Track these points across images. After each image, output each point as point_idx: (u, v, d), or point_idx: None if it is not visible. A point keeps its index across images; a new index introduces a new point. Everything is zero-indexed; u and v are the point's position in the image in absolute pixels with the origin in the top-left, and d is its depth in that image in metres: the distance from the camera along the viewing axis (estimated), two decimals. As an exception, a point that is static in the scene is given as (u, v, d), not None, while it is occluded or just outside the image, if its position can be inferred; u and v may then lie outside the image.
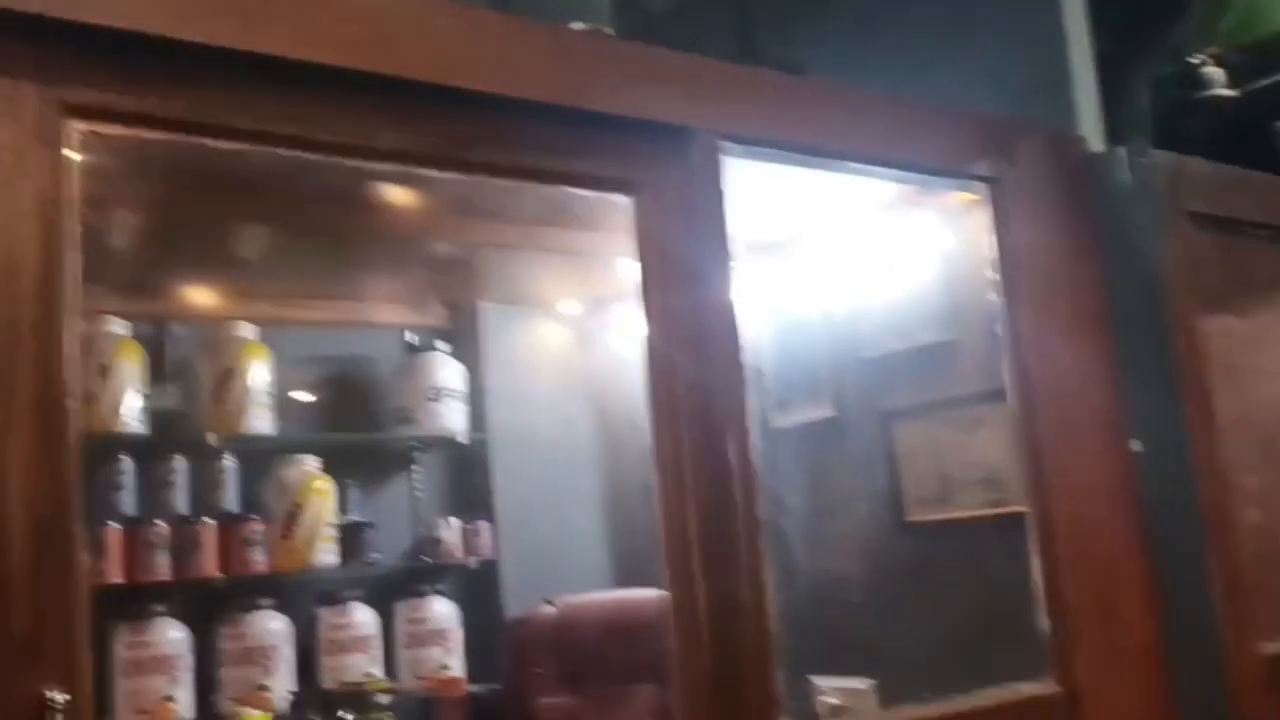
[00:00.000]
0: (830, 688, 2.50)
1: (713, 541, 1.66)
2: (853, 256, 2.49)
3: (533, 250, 2.62)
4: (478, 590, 3.03)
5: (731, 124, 1.79)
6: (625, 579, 3.12)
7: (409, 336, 3.06)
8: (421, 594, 2.92)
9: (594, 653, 2.84)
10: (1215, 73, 2.67)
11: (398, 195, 2.06)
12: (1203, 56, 2.32)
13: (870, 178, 2.04)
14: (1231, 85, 2.67)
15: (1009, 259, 2.08)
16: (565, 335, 3.28)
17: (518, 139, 1.62)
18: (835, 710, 2.48)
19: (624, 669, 2.79)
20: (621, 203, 1.74)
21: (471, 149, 1.60)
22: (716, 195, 1.76)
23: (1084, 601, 2.03)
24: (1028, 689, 2.00)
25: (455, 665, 2.88)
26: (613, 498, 3.23)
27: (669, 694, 1.71)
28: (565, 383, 3.22)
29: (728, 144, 1.78)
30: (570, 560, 3.13)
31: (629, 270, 1.75)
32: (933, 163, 2.06)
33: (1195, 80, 2.64)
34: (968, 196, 2.19)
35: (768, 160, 1.87)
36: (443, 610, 2.93)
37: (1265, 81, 2.63)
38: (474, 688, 2.86)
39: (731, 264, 1.74)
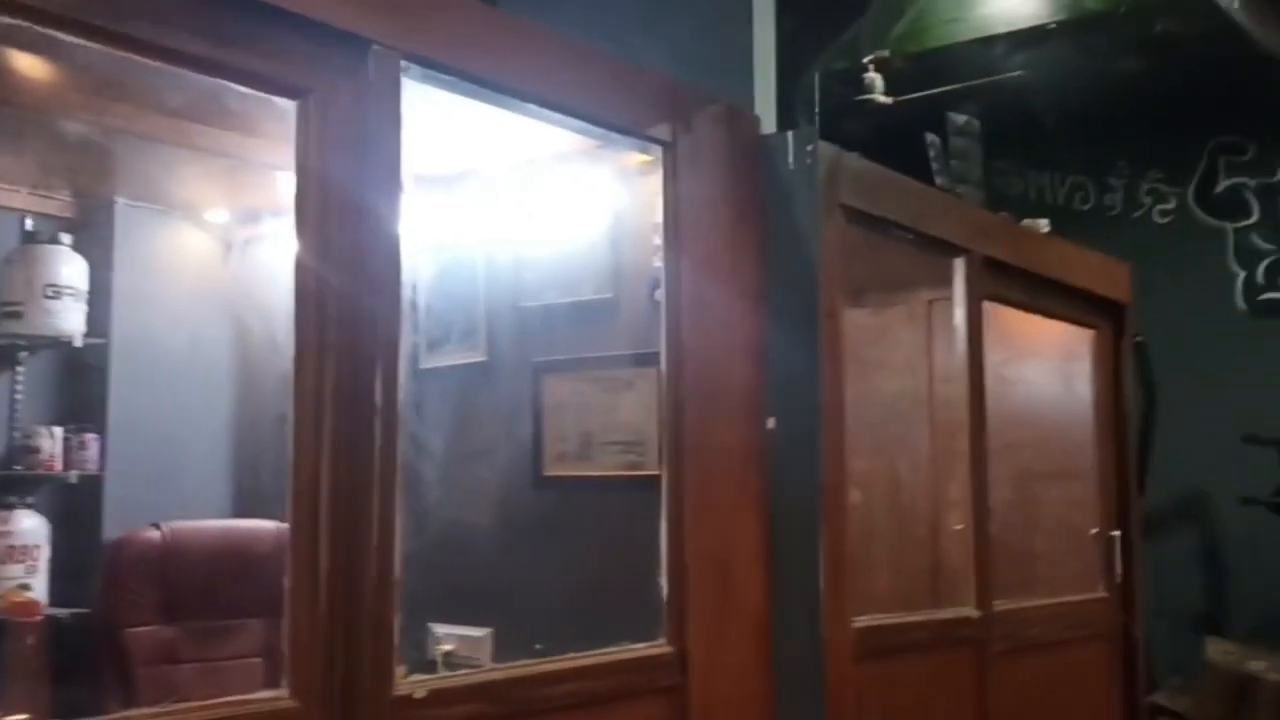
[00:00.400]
0: (446, 634, 2.48)
1: (345, 479, 1.57)
2: (523, 203, 2.45)
3: (182, 147, 2.40)
4: (76, 507, 2.82)
5: (414, 43, 1.69)
6: (245, 509, 2.97)
7: (29, 224, 2.80)
8: (8, 506, 2.70)
9: (200, 583, 2.68)
10: (874, 78, 2.81)
11: (24, 62, 1.82)
12: (872, 59, 2.43)
13: (550, 124, 2.00)
14: (888, 93, 2.82)
15: (675, 226, 2.09)
16: (209, 245, 3.06)
17: (173, 15, 1.45)
18: (447, 657, 2.46)
19: (231, 603, 2.66)
20: (286, 109, 1.61)
21: (114, 17, 1.41)
22: (392, 117, 1.66)
23: (703, 567, 2.09)
24: (641, 648, 2.04)
25: (37, 586, 2.67)
26: (242, 423, 3.06)
27: (278, 632, 1.62)
28: (204, 295, 3.02)
29: (409, 64, 1.69)
30: (186, 484, 2.96)
31: (288, 184, 1.63)
32: (613, 118, 2.04)
33: (857, 83, 2.77)
34: (643, 158, 2.20)
35: (448, 89, 1.79)
36: (30, 525, 2.71)
37: (917, 94, 2.80)
38: (55, 611, 2.65)
39: (401, 192, 1.65)
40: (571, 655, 1.94)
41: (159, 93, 2.03)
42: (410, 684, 1.65)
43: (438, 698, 1.67)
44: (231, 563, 2.69)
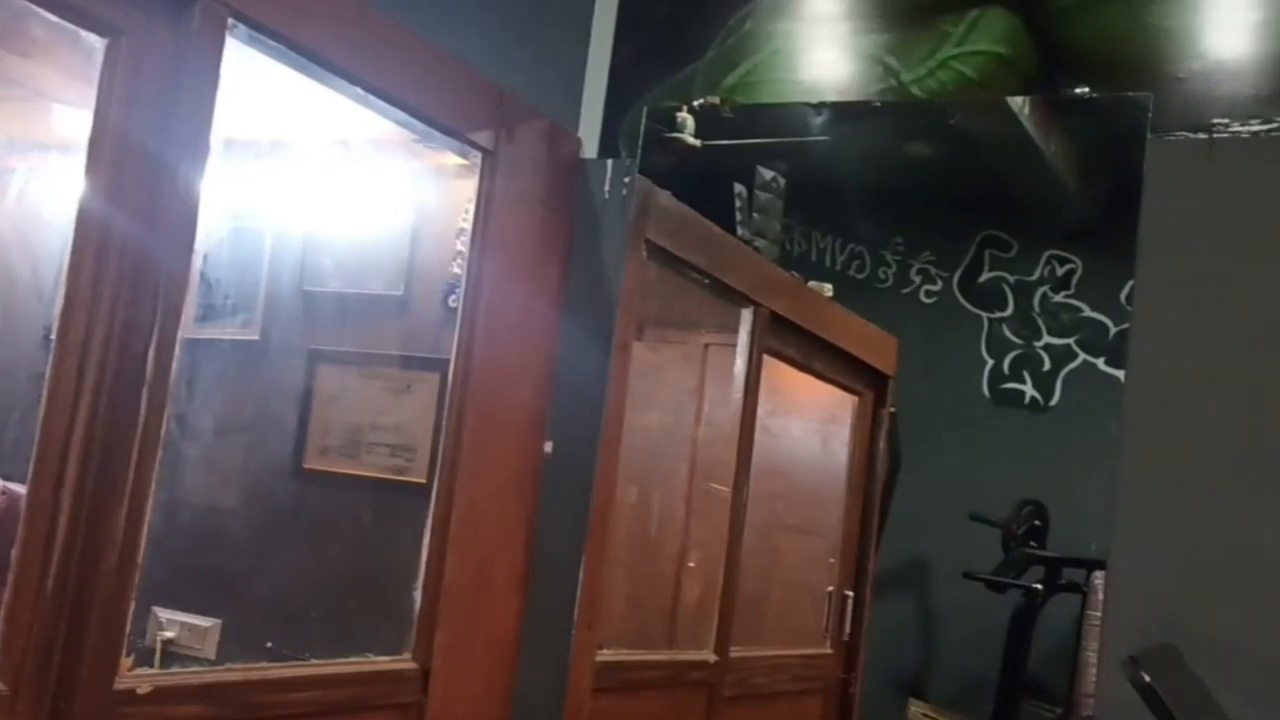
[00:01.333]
0: (170, 620, 2.34)
1: (99, 451, 1.45)
2: (327, 185, 2.35)
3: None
4: None
5: (246, 2, 1.60)
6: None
7: None
8: None
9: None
10: (686, 119, 2.84)
11: None
12: (703, 102, 2.46)
13: (371, 110, 1.92)
14: (703, 136, 2.86)
15: (483, 235, 2.05)
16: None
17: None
18: (168, 645, 2.33)
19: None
20: (91, 45, 1.48)
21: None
22: (210, 74, 1.55)
23: (460, 585, 2.04)
24: (384, 661, 1.97)
25: None
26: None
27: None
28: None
29: (237, 24, 1.59)
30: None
31: (77, 121, 1.50)
32: (438, 116, 1.98)
33: (672, 121, 2.80)
34: (459, 161, 2.15)
35: (274, 56, 1.70)
36: None
37: (726, 142, 2.85)
38: None
39: (207, 154, 1.55)
40: (311, 662, 1.86)
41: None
42: (134, 678, 1.54)
43: (162, 694, 1.57)
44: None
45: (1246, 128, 1.95)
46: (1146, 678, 1.28)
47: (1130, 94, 2.10)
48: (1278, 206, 1.87)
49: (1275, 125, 1.93)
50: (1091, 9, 2.17)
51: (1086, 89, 2.19)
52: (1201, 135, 1.95)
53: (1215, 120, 1.97)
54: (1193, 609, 1.82)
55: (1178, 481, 1.87)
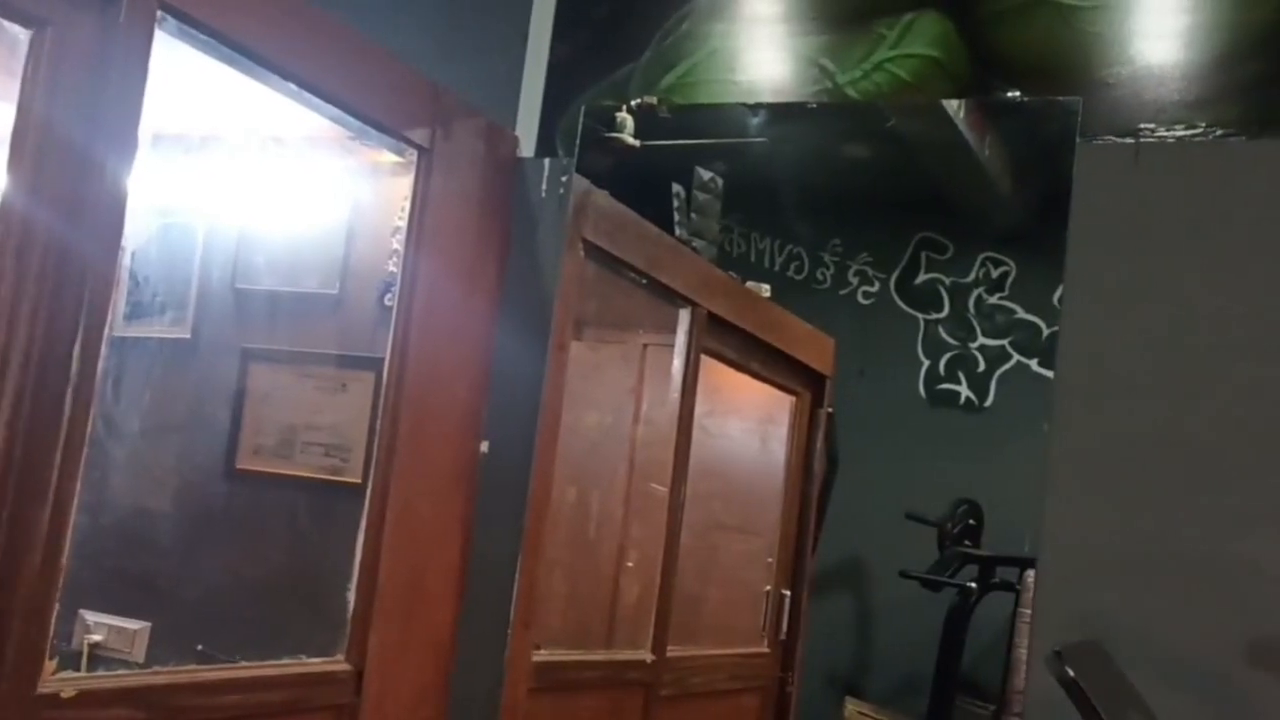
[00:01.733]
0: (97, 623, 2.30)
1: (21, 451, 1.42)
2: (260, 181, 2.32)
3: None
4: None
5: (174, -7, 1.57)
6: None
7: None
8: None
9: None
10: (626, 119, 2.85)
11: None
12: (640, 102, 2.46)
13: (305, 106, 1.90)
14: (641, 136, 2.86)
15: (419, 234, 2.04)
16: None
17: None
18: (95, 648, 2.29)
19: None
20: (15, 36, 1.46)
21: None
22: (138, 68, 1.53)
23: (395, 585, 2.03)
24: (317, 662, 1.95)
25: None
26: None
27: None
28: None
29: (165, 16, 1.56)
30: None
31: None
32: (373, 113, 1.96)
33: (610, 120, 2.80)
34: (395, 158, 2.13)
35: (204, 50, 1.67)
36: None
37: (665, 142, 2.85)
38: None
39: (135, 149, 1.52)
40: (241, 664, 1.84)
41: None
42: (58, 681, 1.51)
43: (87, 698, 1.54)
44: None
45: (1171, 132, 1.99)
46: (1070, 672, 1.30)
47: (1060, 98, 2.13)
48: (1199, 210, 1.91)
49: (1199, 130, 1.97)
50: (1022, 14, 2.20)
51: (1018, 93, 2.22)
52: (1128, 140, 1.99)
53: (1142, 125, 2.01)
54: (1118, 605, 1.85)
55: (1104, 480, 1.90)
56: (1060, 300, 2.09)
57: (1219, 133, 1.96)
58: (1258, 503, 1.82)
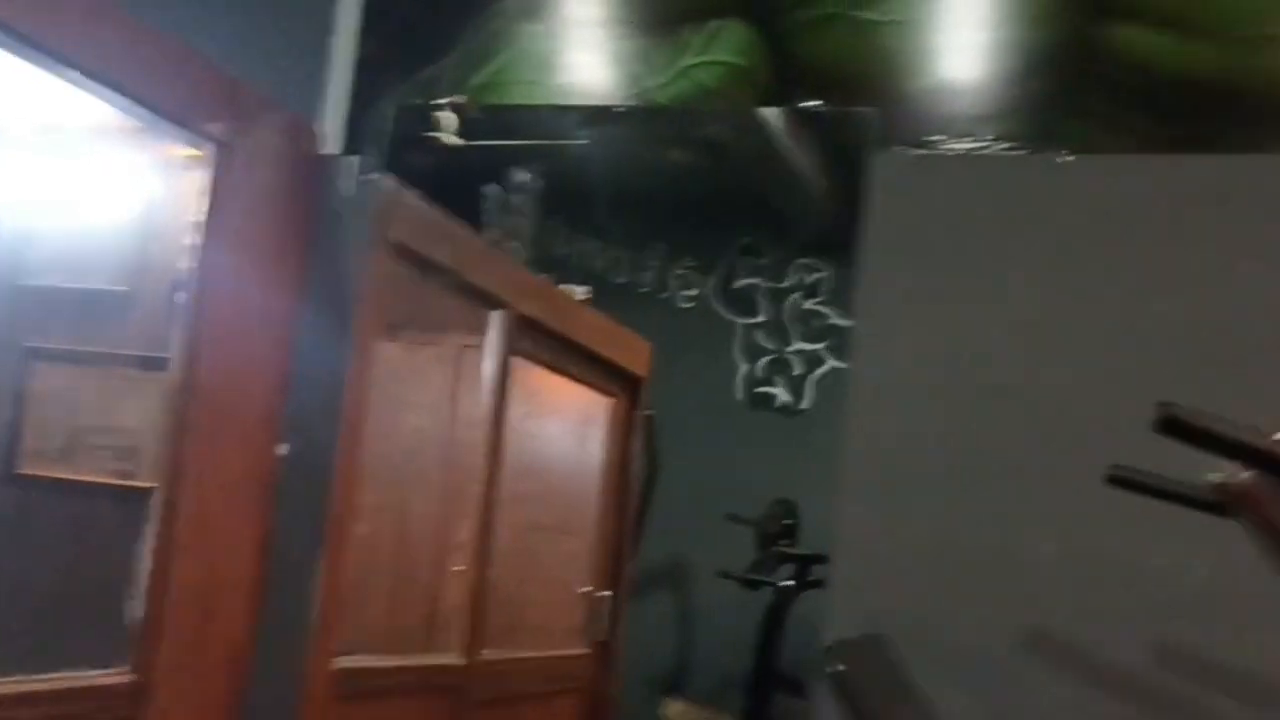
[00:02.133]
0: None
1: None
2: (43, 173, 2.21)
3: None
4: None
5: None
6: None
7: None
8: None
9: None
10: (450, 118, 2.82)
11: None
12: (449, 101, 2.44)
13: (90, 95, 1.82)
14: (460, 135, 2.84)
15: (214, 229, 1.97)
16: None
17: None
18: None
19: None
20: None
21: None
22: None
23: (186, 593, 1.96)
24: (95, 675, 1.87)
25: None
26: None
27: None
28: None
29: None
30: None
31: None
32: (164, 104, 1.89)
33: (428, 119, 2.76)
34: (190, 152, 2.06)
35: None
36: None
37: (481, 143, 2.84)
38: None
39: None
40: (9, 679, 1.75)
41: None
42: None
43: None
44: None
45: (960, 145, 2.07)
46: (839, 666, 1.34)
47: (858, 109, 2.19)
48: (984, 220, 1.99)
49: (985, 144, 2.06)
50: (823, 26, 2.26)
51: (820, 102, 2.27)
52: (920, 151, 2.06)
53: (933, 137, 2.08)
54: (906, 600, 1.92)
55: (893, 480, 1.96)
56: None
57: (1004, 146, 2.05)
58: (1035, 503, 1.90)
